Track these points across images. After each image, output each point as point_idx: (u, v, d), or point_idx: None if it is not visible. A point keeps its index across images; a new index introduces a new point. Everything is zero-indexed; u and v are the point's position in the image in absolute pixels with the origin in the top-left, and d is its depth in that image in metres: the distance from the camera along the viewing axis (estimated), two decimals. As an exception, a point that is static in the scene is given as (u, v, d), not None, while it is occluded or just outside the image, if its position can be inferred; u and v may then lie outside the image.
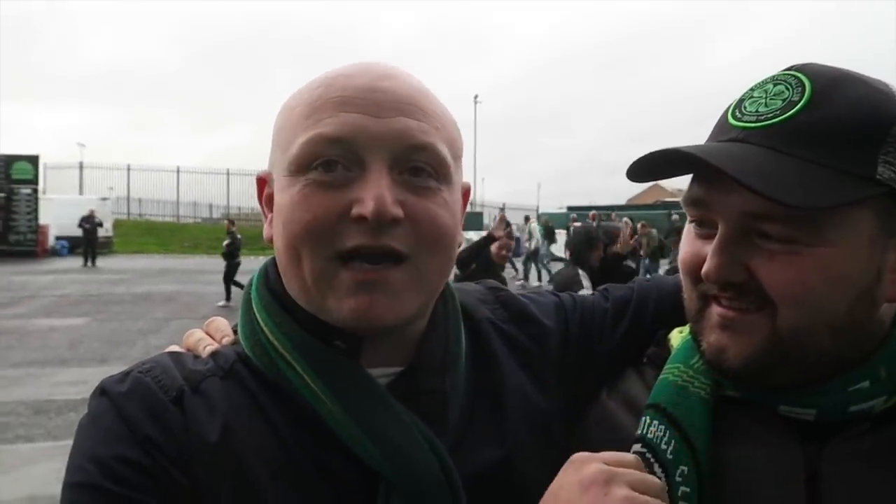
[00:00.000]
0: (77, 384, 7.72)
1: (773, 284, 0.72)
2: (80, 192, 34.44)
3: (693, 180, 0.79)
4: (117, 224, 30.50)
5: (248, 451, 0.73)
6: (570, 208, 34.66)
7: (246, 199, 37.69)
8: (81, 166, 37.97)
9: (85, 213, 23.21)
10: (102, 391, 0.76)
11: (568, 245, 4.38)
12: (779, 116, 0.72)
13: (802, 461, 0.76)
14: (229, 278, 13.92)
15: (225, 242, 14.57)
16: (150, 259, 25.88)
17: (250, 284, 0.87)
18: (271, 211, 0.82)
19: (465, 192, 0.88)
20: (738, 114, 0.77)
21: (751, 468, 0.78)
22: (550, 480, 0.72)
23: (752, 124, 0.74)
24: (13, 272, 19.36)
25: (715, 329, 0.78)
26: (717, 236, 0.75)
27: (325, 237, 0.73)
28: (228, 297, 13.74)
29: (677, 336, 0.92)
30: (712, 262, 0.74)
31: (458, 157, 0.83)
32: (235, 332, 0.87)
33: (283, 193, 0.76)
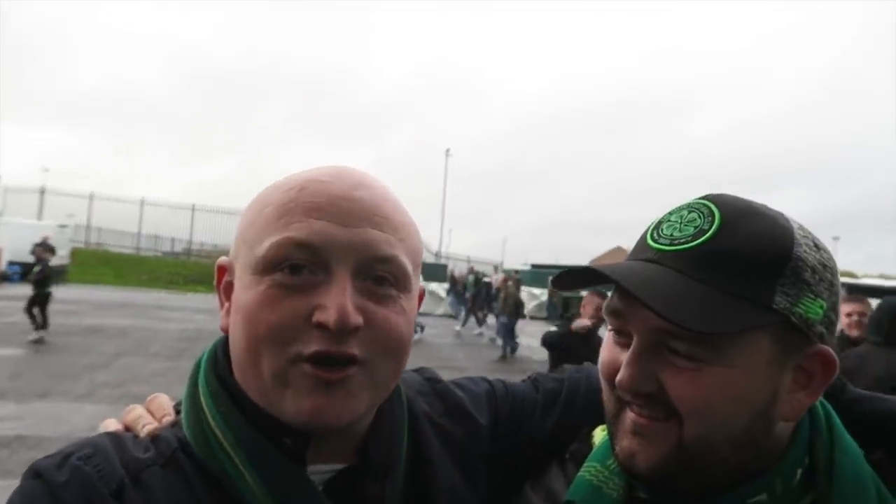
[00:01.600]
0: (12, 419, 7.41)
1: (680, 398, 0.77)
2: (39, 218, 33.63)
3: (614, 292, 0.85)
4: (74, 252, 29.72)
5: None
6: (534, 266, 34.99)
7: (209, 234, 37.31)
8: (42, 191, 37.20)
9: (39, 239, 22.63)
10: (37, 474, 0.73)
11: (879, 322, 3.95)
12: (689, 243, 0.78)
13: None
14: (42, 307, 13.03)
15: (35, 269, 13.77)
16: (105, 290, 25.20)
17: (197, 367, 0.86)
18: (228, 300, 0.83)
19: (420, 295, 0.91)
20: (655, 235, 0.83)
21: None
22: None
23: (666, 247, 0.80)
24: (-42, 296, 18.65)
25: (627, 433, 0.82)
26: (631, 347, 0.80)
27: (287, 340, 0.74)
28: (44, 325, 12.95)
29: (599, 434, 0.96)
30: (626, 372, 0.79)
31: (417, 265, 0.86)
32: (178, 410, 0.87)
33: (247, 291, 0.78)
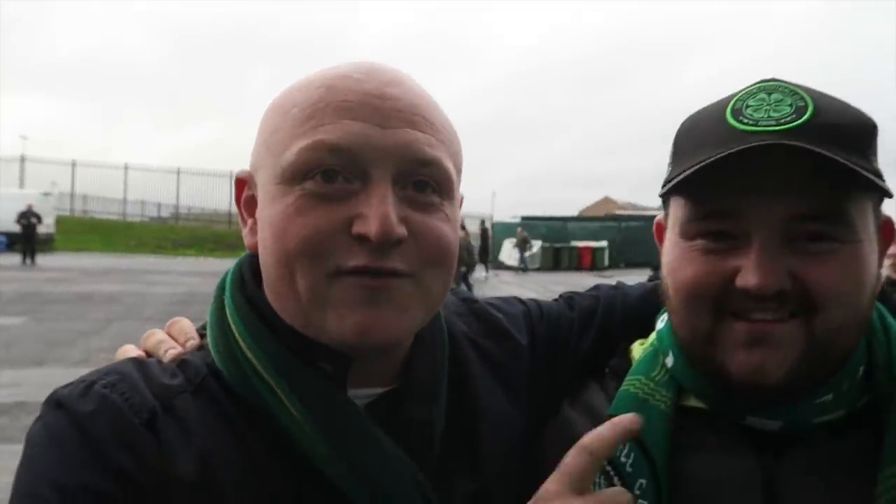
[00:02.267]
0: (9, 387, 7.39)
1: (821, 284, 0.72)
2: (21, 186, 33.10)
3: (708, 193, 0.76)
4: (60, 220, 29.40)
5: (225, 484, 0.68)
6: (524, 218, 35.00)
7: (196, 198, 36.94)
8: (23, 159, 36.54)
9: (23, 207, 22.37)
10: (59, 404, 0.67)
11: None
12: (797, 120, 0.73)
13: (759, 471, 0.77)
14: None
15: None
16: (92, 257, 25.03)
17: (222, 289, 0.80)
18: (251, 216, 0.77)
19: (459, 203, 0.85)
20: (747, 121, 0.75)
21: (709, 478, 0.79)
22: None
23: (775, 127, 0.73)
24: (-56, 268, 18.45)
25: (741, 347, 0.75)
26: (755, 246, 0.73)
27: (324, 253, 0.68)
28: None
29: (638, 348, 0.93)
30: (759, 274, 0.72)
31: (460, 170, 0.80)
32: (201, 334, 0.82)
33: (275, 203, 0.71)
